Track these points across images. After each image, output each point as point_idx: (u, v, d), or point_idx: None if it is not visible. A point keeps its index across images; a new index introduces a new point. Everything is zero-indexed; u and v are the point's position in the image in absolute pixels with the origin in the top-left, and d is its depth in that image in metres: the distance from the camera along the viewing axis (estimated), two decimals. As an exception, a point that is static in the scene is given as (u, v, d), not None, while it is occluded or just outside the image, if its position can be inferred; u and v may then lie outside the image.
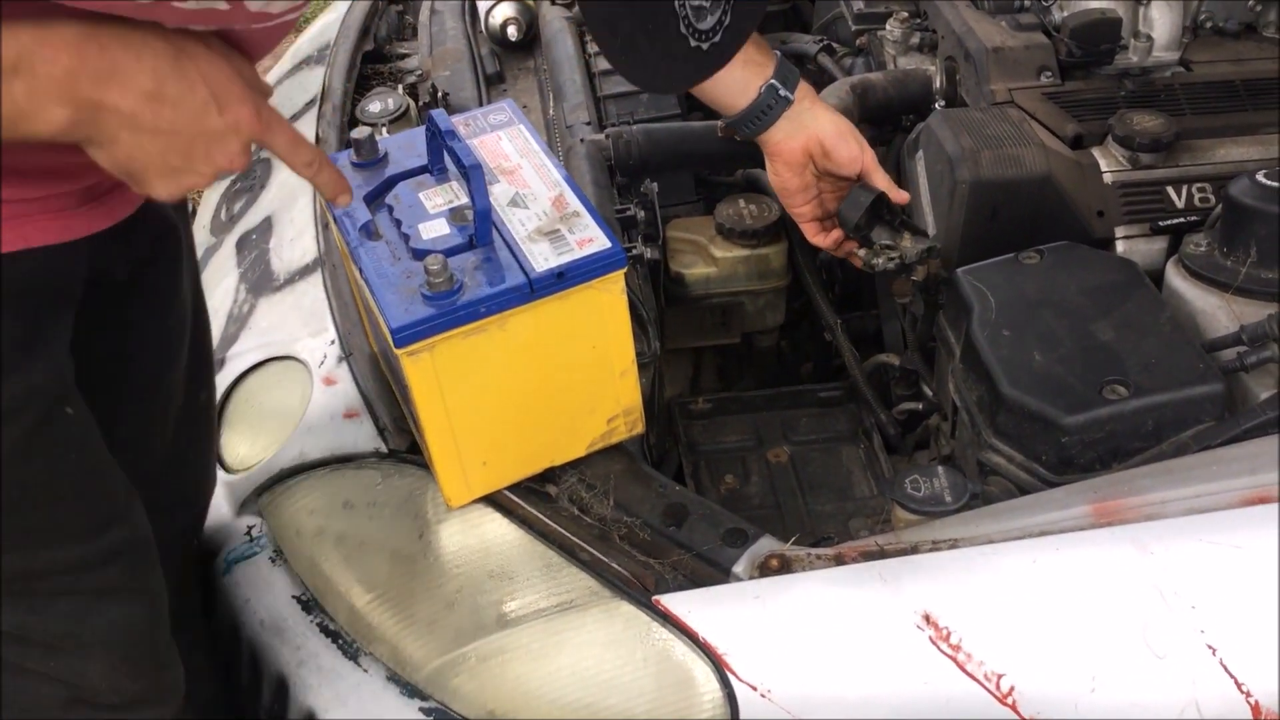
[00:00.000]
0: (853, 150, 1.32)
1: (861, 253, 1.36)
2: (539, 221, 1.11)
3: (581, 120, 1.68)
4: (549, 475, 1.18)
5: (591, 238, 1.09)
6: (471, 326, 1.04)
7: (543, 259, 1.07)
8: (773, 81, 1.27)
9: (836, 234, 1.37)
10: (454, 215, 1.12)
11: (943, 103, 1.66)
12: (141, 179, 0.84)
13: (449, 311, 1.03)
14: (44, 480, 0.94)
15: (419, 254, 1.08)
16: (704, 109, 1.77)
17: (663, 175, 1.61)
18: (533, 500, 1.16)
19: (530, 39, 1.92)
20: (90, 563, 0.99)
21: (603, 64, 1.81)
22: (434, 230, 1.11)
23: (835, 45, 1.88)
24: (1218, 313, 1.27)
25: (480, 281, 1.05)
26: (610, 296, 1.10)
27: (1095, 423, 1.15)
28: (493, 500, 1.16)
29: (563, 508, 1.15)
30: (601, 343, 1.13)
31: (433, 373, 1.06)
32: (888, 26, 1.77)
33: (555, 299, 1.07)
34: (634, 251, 1.44)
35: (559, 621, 1.09)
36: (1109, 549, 1.01)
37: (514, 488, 1.17)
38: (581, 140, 1.63)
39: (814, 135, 1.31)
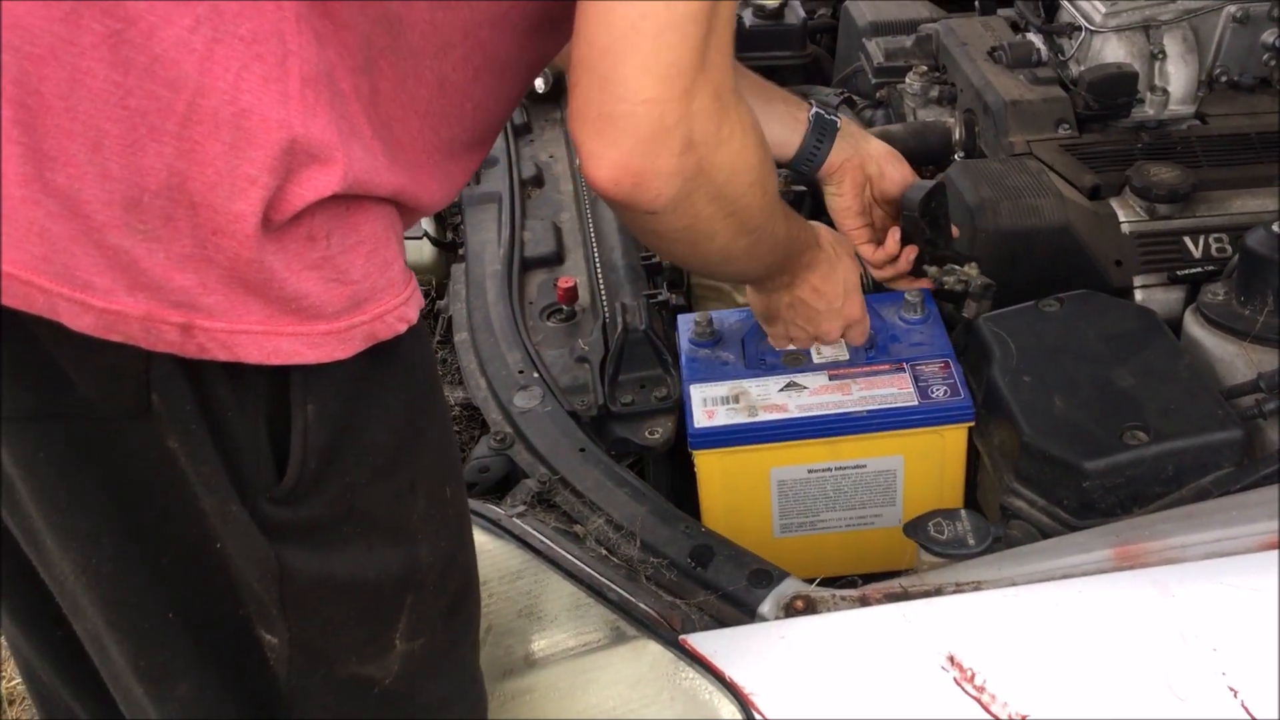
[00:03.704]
0: (905, 171, 1.37)
1: (931, 269, 1.38)
2: None
3: (607, 170, 1.71)
4: (577, 516, 1.21)
5: None
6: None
7: None
8: (817, 110, 1.32)
9: (890, 246, 1.39)
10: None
11: (962, 154, 1.68)
12: (774, 328, 1.31)
13: None
14: None
15: None
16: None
17: (687, 223, 1.64)
18: (561, 541, 1.18)
19: (557, 91, 1.96)
20: None
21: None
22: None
23: (856, 98, 1.92)
24: (1235, 360, 1.29)
25: None
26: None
27: (1116, 468, 1.16)
28: (523, 541, 1.18)
29: (591, 548, 1.17)
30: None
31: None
32: (907, 80, 1.81)
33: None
34: (659, 297, 1.47)
35: (586, 661, 1.10)
36: (1131, 592, 1.02)
37: (542, 528, 1.19)
38: (608, 189, 1.66)
39: (869, 154, 1.35)
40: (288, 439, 0.77)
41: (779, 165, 1.41)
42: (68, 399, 0.72)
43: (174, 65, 0.67)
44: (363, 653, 0.86)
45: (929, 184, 1.36)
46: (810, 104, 1.34)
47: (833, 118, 1.33)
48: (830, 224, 1.45)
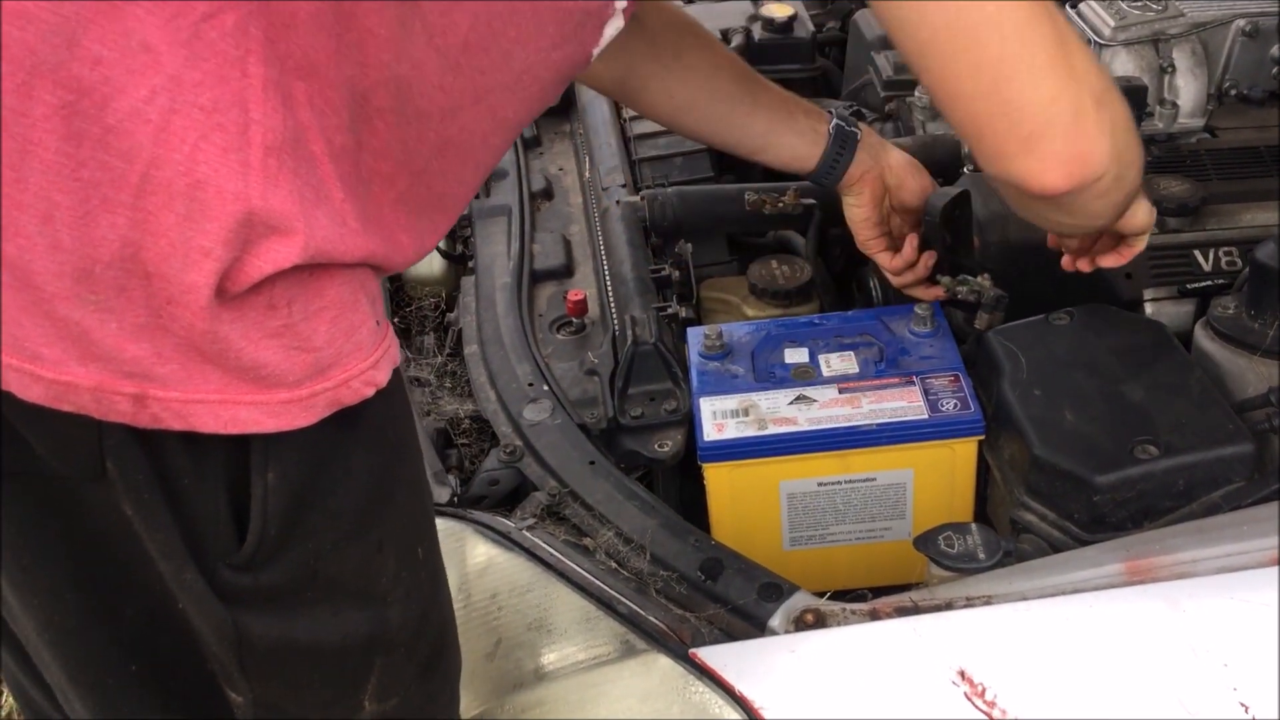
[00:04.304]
0: (924, 181, 1.38)
1: (945, 280, 1.39)
2: None
3: (617, 183, 1.72)
4: (587, 529, 1.21)
5: None
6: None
7: None
8: (837, 120, 1.32)
9: (909, 252, 1.39)
10: None
11: (971, 167, 1.68)
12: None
13: None
14: None
15: None
16: (736, 171, 1.81)
17: (697, 236, 1.64)
18: (571, 554, 1.18)
19: (566, 103, 1.97)
20: None
21: (637, 128, 1.85)
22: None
23: (865, 111, 1.92)
24: (1246, 374, 1.29)
25: None
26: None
27: (1126, 482, 1.16)
28: (532, 554, 1.18)
29: (600, 561, 1.17)
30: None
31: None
32: (916, 93, 1.81)
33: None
34: (669, 310, 1.47)
35: (596, 674, 1.10)
36: (1141, 606, 1.02)
37: (552, 541, 1.19)
38: (617, 202, 1.67)
39: (888, 164, 1.35)
40: (249, 504, 0.76)
41: (799, 177, 1.42)
42: (26, 458, 0.72)
43: (128, 136, 0.66)
44: (330, 713, 0.85)
45: (953, 191, 1.36)
46: (831, 115, 1.35)
47: (853, 129, 1.34)
48: (847, 233, 1.46)
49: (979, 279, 1.39)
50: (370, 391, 0.78)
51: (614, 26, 0.96)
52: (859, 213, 1.39)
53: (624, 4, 0.95)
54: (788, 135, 1.36)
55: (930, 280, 1.41)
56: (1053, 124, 0.92)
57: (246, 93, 0.69)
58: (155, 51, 0.67)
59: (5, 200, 0.65)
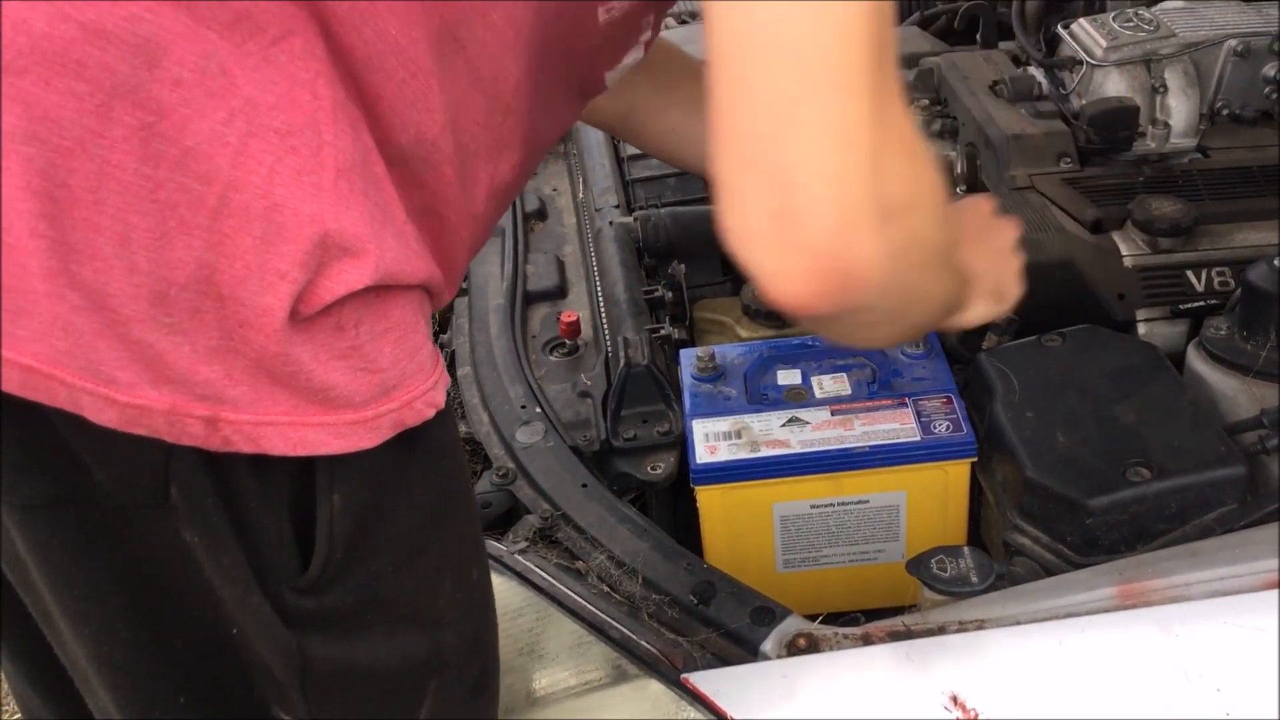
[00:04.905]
0: None
1: None
2: None
3: (610, 204, 1.72)
4: (579, 553, 1.20)
5: None
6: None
7: None
8: None
9: None
10: None
11: (964, 188, 1.69)
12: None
13: None
14: None
15: None
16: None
17: (690, 257, 1.65)
18: (563, 577, 1.18)
19: (560, 124, 1.97)
20: None
21: (630, 149, 1.86)
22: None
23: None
24: (1239, 396, 1.29)
25: None
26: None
27: (1119, 504, 1.16)
28: (524, 578, 1.18)
29: (592, 585, 1.17)
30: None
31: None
32: (909, 113, 1.81)
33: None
34: (662, 332, 1.47)
35: (588, 700, 1.10)
36: (1134, 631, 1.02)
37: (544, 564, 1.19)
38: (610, 223, 1.67)
39: None
40: (312, 527, 0.76)
41: None
42: (83, 486, 0.71)
43: (206, 159, 0.66)
44: None
45: None
46: None
47: None
48: None
49: None
50: (431, 412, 0.78)
51: (633, 56, 0.96)
52: None
53: (648, 36, 0.95)
54: None
55: None
56: (819, 208, 0.68)
57: (318, 115, 0.69)
58: (231, 75, 0.67)
59: (84, 223, 0.65)
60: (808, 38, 0.66)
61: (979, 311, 1.11)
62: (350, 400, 0.73)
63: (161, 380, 0.68)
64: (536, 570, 1.19)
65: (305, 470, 0.74)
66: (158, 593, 0.76)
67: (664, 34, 1.44)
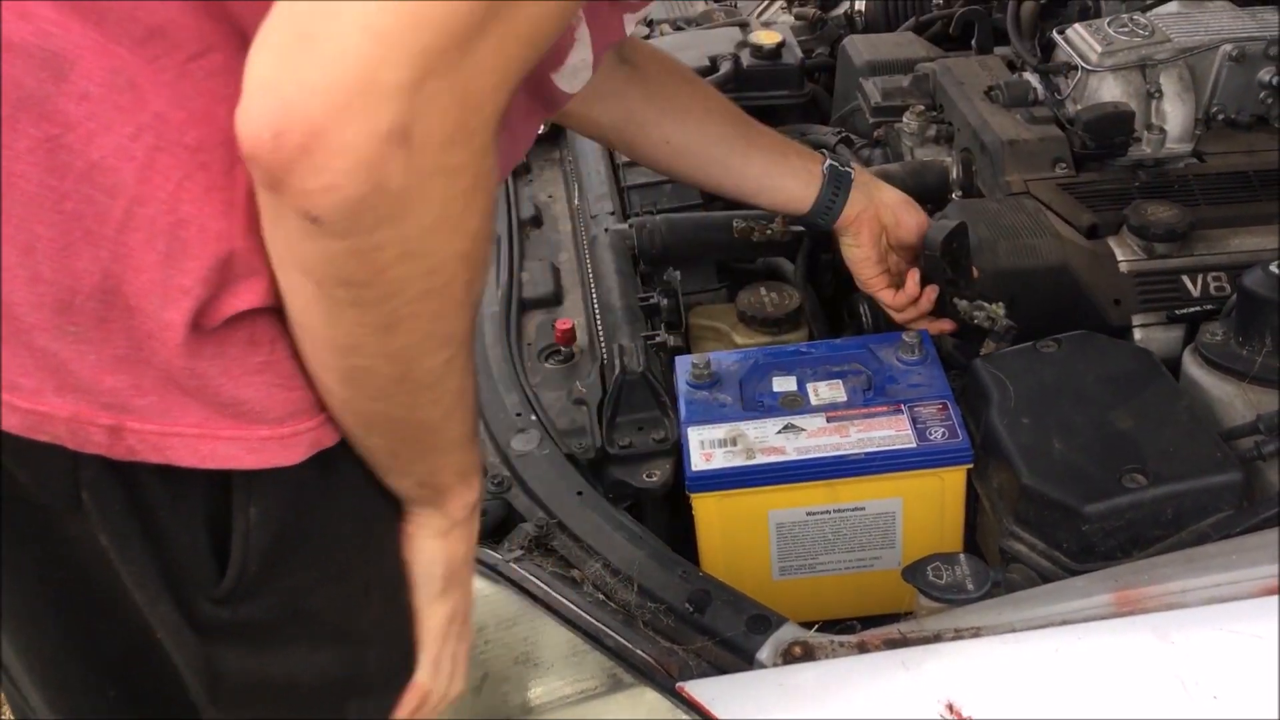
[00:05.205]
0: (920, 217, 1.40)
1: (962, 304, 1.38)
2: None
3: (605, 210, 1.72)
4: (574, 561, 1.20)
5: None
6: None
7: None
8: (831, 161, 1.32)
9: (911, 289, 1.40)
10: None
11: (959, 193, 1.69)
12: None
13: None
14: None
15: None
16: (724, 199, 1.81)
17: (685, 264, 1.64)
18: (558, 586, 1.17)
19: (556, 131, 1.97)
20: None
21: (625, 156, 1.85)
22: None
23: (853, 137, 1.93)
24: (1234, 401, 1.28)
25: None
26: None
27: (1115, 511, 1.16)
28: (520, 587, 1.18)
29: (588, 593, 1.17)
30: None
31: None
32: (905, 119, 1.81)
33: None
34: (657, 339, 1.47)
35: (584, 708, 1.09)
36: (1130, 638, 1.01)
37: (540, 573, 1.19)
38: (606, 230, 1.67)
39: (884, 203, 1.36)
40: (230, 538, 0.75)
41: (793, 220, 1.43)
42: (10, 486, 0.72)
43: (113, 172, 0.66)
44: None
45: (950, 224, 1.37)
46: (824, 156, 1.35)
47: (847, 169, 1.34)
48: (837, 259, 1.46)
49: (993, 306, 1.39)
50: None
51: (578, 55, 0.94)
52: (858, 253, 1.39)
53: (585, 32, 0.92)
54: (782, 177, 1.37)
55: (938, 312, 1.41)
56: (341, 55, 0.58)
57: (233, 132, 0.68)
58: (140, 90, 0.67)
59: None
60: None
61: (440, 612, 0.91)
62: (264, 416, 0.72)
63: (65, 388, 0.68)
64: (532, 579, 1.18)
65: (224, 483, 0.74)
66: (83, 590, 0.76)
67: (656, 42, 1.45)
